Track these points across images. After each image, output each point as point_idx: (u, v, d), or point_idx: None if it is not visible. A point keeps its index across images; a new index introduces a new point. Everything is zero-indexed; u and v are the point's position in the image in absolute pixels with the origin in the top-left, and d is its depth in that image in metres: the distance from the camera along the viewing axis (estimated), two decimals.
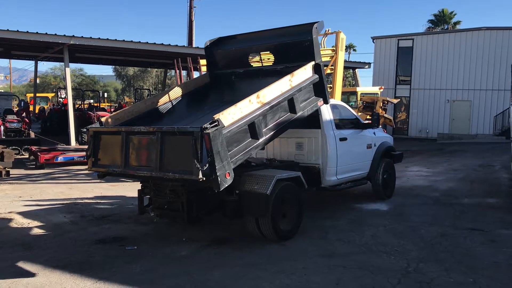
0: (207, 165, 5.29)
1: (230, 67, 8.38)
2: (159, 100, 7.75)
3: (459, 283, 5.04)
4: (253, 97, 6.00)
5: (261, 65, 8.20)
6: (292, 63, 7.22)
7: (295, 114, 6.71)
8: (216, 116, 5.40)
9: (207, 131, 5.21)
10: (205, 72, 11.18)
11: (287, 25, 8.00)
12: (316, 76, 7.10)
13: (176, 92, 8.03)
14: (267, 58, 8.35)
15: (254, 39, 8.26)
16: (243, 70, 8.20)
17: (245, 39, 8.40)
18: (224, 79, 8.39)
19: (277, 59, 7.93)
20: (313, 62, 7.08)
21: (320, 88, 7.17)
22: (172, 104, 7.87)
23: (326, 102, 7.35)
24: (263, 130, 6.15)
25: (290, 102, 6.62)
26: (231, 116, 5.64)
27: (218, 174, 5.29)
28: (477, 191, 10.78)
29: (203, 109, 7.45)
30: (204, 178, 5.32)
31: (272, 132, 6.35)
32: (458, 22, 51.31)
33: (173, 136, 5.74)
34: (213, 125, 5.29)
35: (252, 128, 5.99)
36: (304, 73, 6.91)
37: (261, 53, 8.13)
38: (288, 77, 6.60)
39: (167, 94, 7.95)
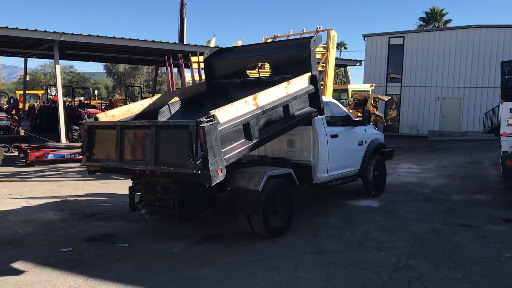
0: (200, 159, 5.30)
1: (227, 77, 8.46)
2: (155, 103, 7.80)
3: (448, 278, 5.09)
4: (249, 99, 6.08)
5: (258, 75, 8.28)
6: (289, 74, 7.29)
7: (289, 121, 6.81)
8: (212, 112, 5.48)
9: (203, 125, 5.26)
10: (196, 69, 11.23)
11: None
12: (312, 87, 7.18)
13: (172, 97, 8.13)
14: (265, 69, 8.42)
15: (252, 50, 8.41)
16: (240, 80, 8.26)
17: (243, 51, 8.57)
18: (221, 88, 8.45)
19: (274, 71, 8.02)
20: (309, 73, 7.17)
21: (315, 99, 7.28)
22: (167, 108, 7.96)
23: (321, 113, 7.43)
24: (257, 132, 6.22)
25: (285, 109, 6.73)
26: (227, 114, 5.72)
27: (210, 169, 5.31)
28: (466, 187, 10.87)
29: (198, 115, 7.51)
30: (199, 172, 5.34)
31: (265, 136, 6.43)
32: (449, 21, 51.78)
33: (169, 130, 5.78)
34: (208, 119, 5.36)
35: (246, 129, 6.05)
36: (301, 83, 7.02)
37: (258, 64, 8.19)
38: (284, 84, 6.71)
39: (163, 98, 8.02)
